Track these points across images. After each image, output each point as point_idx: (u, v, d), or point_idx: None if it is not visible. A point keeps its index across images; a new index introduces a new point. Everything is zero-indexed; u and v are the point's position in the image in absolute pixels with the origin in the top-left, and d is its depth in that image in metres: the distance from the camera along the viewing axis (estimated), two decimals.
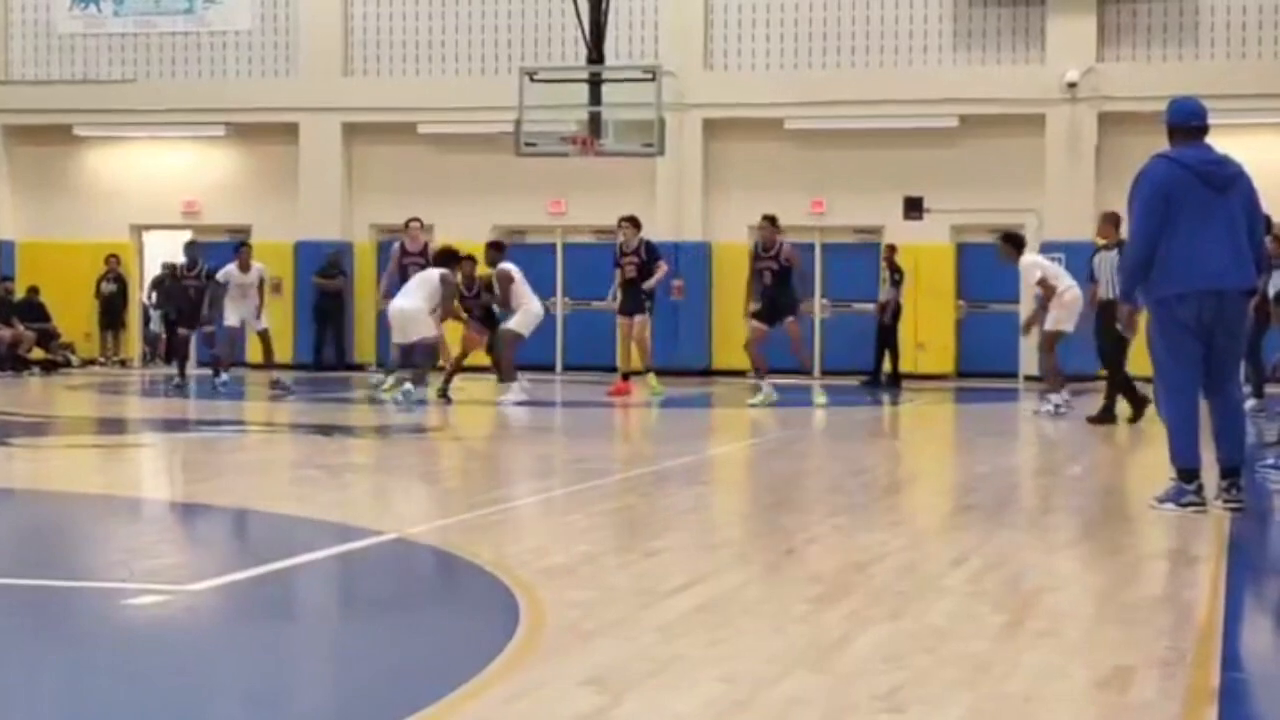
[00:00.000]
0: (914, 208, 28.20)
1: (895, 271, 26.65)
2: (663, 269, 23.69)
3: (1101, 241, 18.97)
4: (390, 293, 22.30)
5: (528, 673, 5.84)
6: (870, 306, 27.31)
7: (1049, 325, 19.49)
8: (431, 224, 29.68)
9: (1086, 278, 18.97)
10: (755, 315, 21.71)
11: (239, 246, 23.98)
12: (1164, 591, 7.94)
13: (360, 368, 30.26)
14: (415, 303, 21.00)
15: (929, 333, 28.30)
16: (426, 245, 23.37)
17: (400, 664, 6.12)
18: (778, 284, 21.43)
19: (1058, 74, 27.96)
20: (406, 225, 23.66)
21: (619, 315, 23.93)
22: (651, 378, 23.41)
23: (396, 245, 23.68)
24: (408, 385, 20.60)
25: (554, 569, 8.13)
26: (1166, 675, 5.86)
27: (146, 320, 33.03)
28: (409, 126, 30.02)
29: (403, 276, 22.64)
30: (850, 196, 28.98)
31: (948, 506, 11.66)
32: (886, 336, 26.53)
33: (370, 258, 30.92)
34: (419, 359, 21.31)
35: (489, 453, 15.83)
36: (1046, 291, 19.49)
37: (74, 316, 31.26)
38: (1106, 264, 18.31)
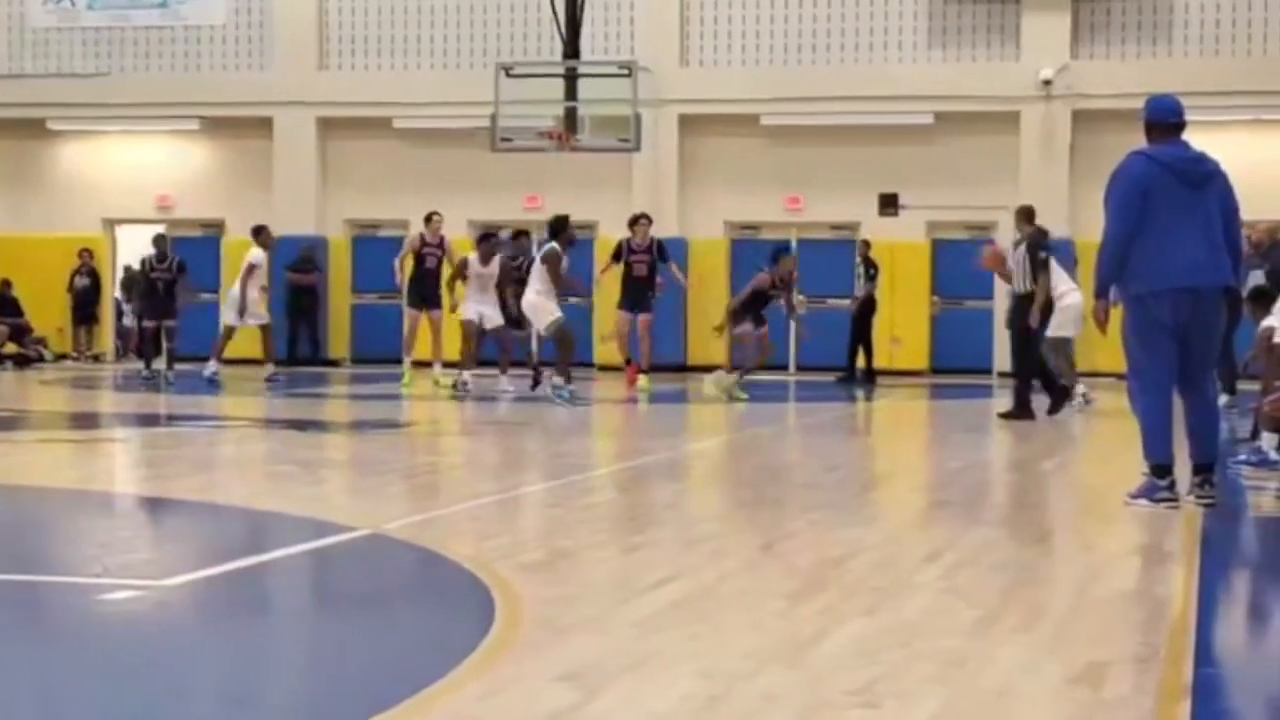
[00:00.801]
0: (889, 204, 28.28)
1: (870, 266, 26.66)
2: (664, 269, 24.16)
3: (1015, 236, 19.08)
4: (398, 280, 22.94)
5: (503, 668, 5.85)
6: (846, 302, 27.34)
7: (1051, 331, 19.17)
8: (406, 219, 29.74)
9: (1038, 265, 18.99)
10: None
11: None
12: (1137, 587, 7.97)
13: (335, 363, 30.23)
14: (530, 294, 20.28)
15: (904, 329, 28.34)
16: (444, 239, 23.53)
17: (375, 659, 6.12)
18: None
19: (1032, 71, 28.02)
20: (428, 218, 23.86)
21: (623, 310, 24.02)
22: (643, 377, 23.55)
23: (416, 234, 23.88)
24: (556, 380, 20.07)
25: (531, 564, 8.13)
26: (1140, 670, 5.89)
27: (119, 315, 32.97)
28: (384, 121, 29.99)
29: (419, 267, 23.18)
30: (826, 193, 29.03)
31: (922, 502, 11.68)
32: (860, 332, 26.53)
33: (345, 252, 30.89)
34: (554, 351, 20.64)
35: (467, 448, 15.81)
36: (1006, 276, 19.24)
37: (47, 311, 31.15)
38: (1021, 258, 18.40)
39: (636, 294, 23.90)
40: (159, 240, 25.68)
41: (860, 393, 24.31)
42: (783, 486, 12.56)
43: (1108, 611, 7.17)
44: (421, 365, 24.03)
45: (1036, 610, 7.07)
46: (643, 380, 23.48)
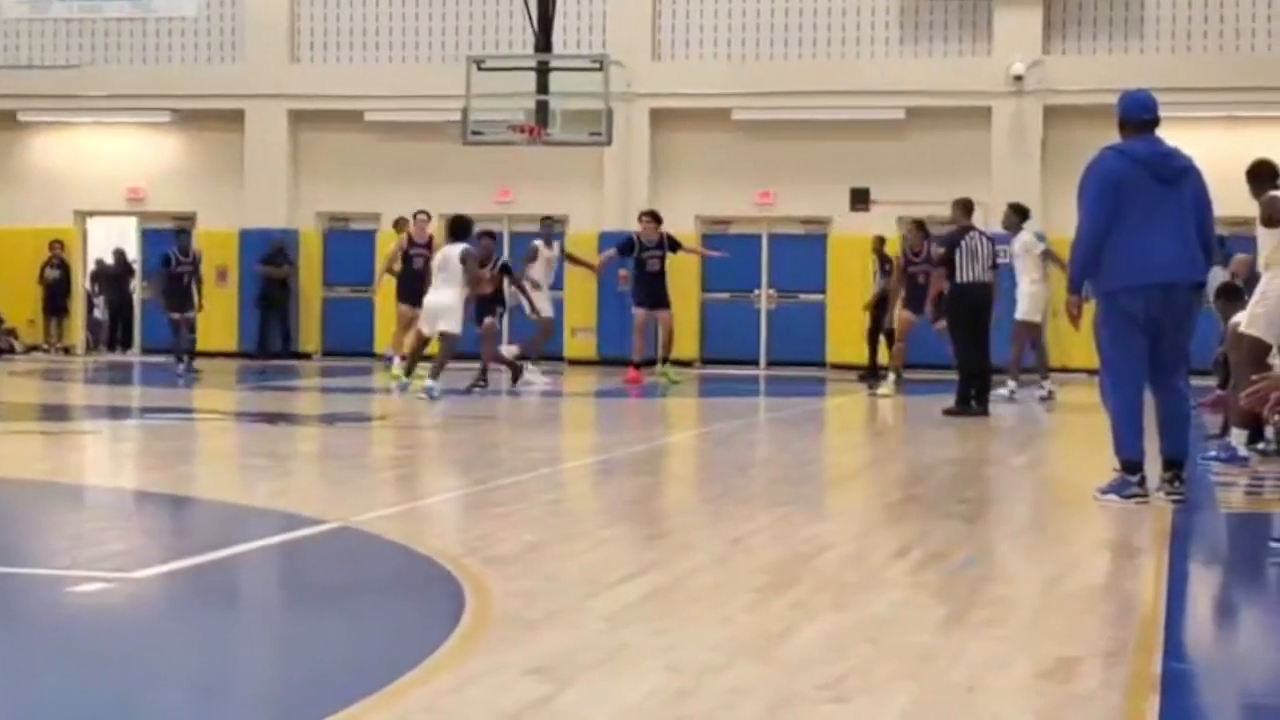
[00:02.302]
0: (860, 199, 28.29)
1: (885, 262, 26.47)
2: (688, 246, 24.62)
3: (952, 227, 19.15)
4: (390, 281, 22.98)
5: (473, 661, 5.84)
6: (818, 298, 27.28)
7: (1021, 315, 19.82)
8: (377, 212, 29.70)
9: (936, 261, 19.18)
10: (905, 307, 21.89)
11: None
12: (1106, 582, 7.99)
13: (306, 356, 30.18)
14: (447, 296, 20.18)
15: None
16: (432, 238, 23.34)
17: (344, 652, 6.11)
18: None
19: (1004, 67, 28.06)
20: (414, 217, 23.69)
21: (638, 308, 23.91)
22: (670, 368, 23.62)
23: (403, 235, 23.69)
24: (429, 382, 19.84)
25: (500, 558, 8.12)
26: (1109, 665, 5.90)
27: (90, 307, 32.89)
28: (355, 114, 29.91)
29: (407, 267, 22.92)
30: (797, 187, 29.03)
31: (893, 498, 11.68)
32: (878, 328, 26.29)
33: (316, 245, 30.83)
34: (441, 352, 20.58)
35: (436, 442, 15.79)
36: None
37: (17, 303, 31.07)
38: (965, 249, 18.47)
39: (652, 290, 23.78)
40: (180, 235, 26.09)
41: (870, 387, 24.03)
42: (753, 481, 12.56)
43: (1077, 606, 7.18)
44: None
45: (1006, 605, 7.08)
46: (671, 372, 23.59)
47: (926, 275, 20.95)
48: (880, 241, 26.79)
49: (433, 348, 20.72)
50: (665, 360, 23.83)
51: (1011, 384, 20.42)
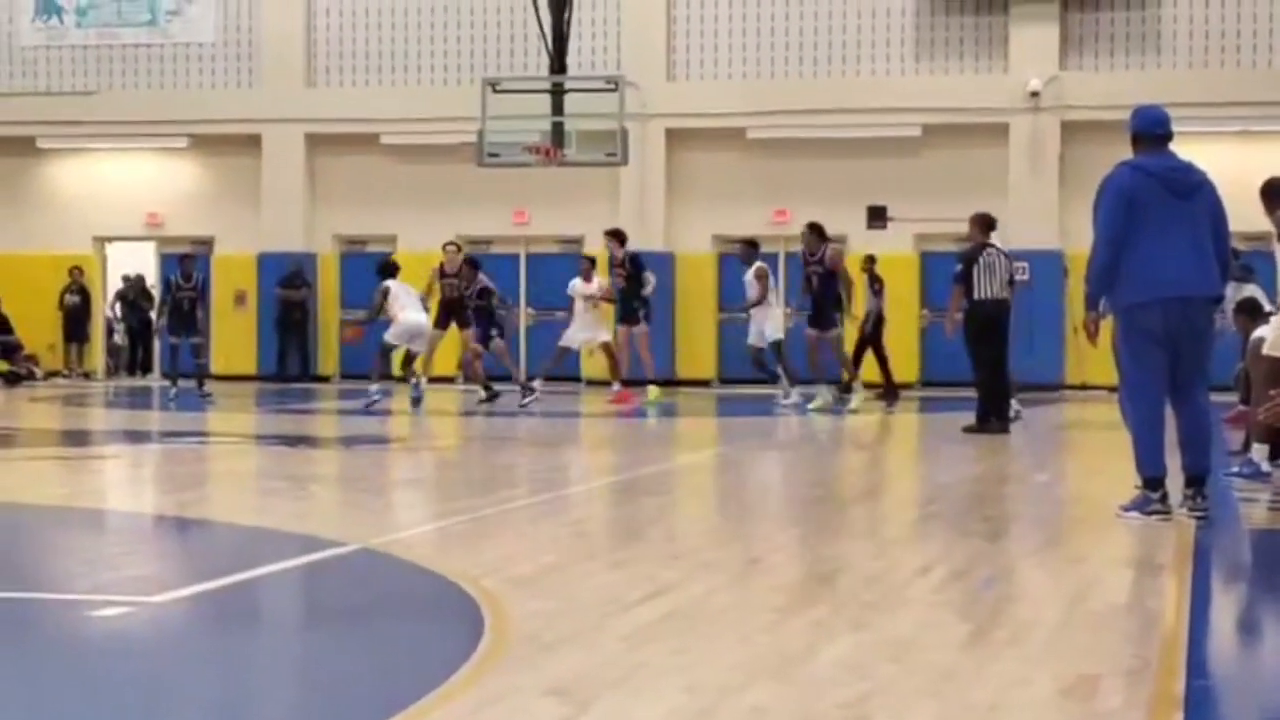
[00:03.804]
0: (877, 217, 28.24)
1: (875, 281, 26.43)
2: (648, 278, 24.44)
3: (971, 243, 19.04)
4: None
5: (491, 683, 5.81)
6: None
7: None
8: (394, 234, 29.75)
9: (953, 278, 18.97)
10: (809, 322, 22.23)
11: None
12: (1129, 600, 7.94)
13: (324, 379, 30.19)
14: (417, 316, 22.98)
15: (892, 342, 28.21)
16: (463, 266, 23.57)
17: (363, 675, 6.09)
18: (823, 289, 21.96)
19: (1021, 83, 28.05)
20: (444, 249, 23.79)
21: (618, 324, 24.31)
22: (652, 388, 23.65)
23: (436, 266, 23.81)
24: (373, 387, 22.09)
25: (518, 579, 8.10)
26: (1132, 683, 5.86)
27: (110, 332, 32.96)
28: (372, 137, 29.97)
29: (444, 295, 23.44)
30: (814, 206, 28.86)
31: (912, 516, 11.65)
32: (868, 347, 26.26)
33: (334, 269, 30.86)
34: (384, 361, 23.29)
35: (454, 463, 15.78)
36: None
37: (37, 329, 31.12)
38: (983, 265, 18.37)
39: (620, 307, 24.13)
40: (186, 260, 25.93)
41: (887, 406, 23.98)
42: (771, 500, 12.53)
43: (1099, 624, 7.14)
44: (435, 380, 24.14)
45: (1028, 623, 7.04)
46: (652, 392, 23.69)
47: (819, 277, 21.89)
48: (870, 261, 26.71)
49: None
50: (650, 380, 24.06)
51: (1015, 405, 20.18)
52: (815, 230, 22.26)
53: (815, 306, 22.10)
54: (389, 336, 23.02)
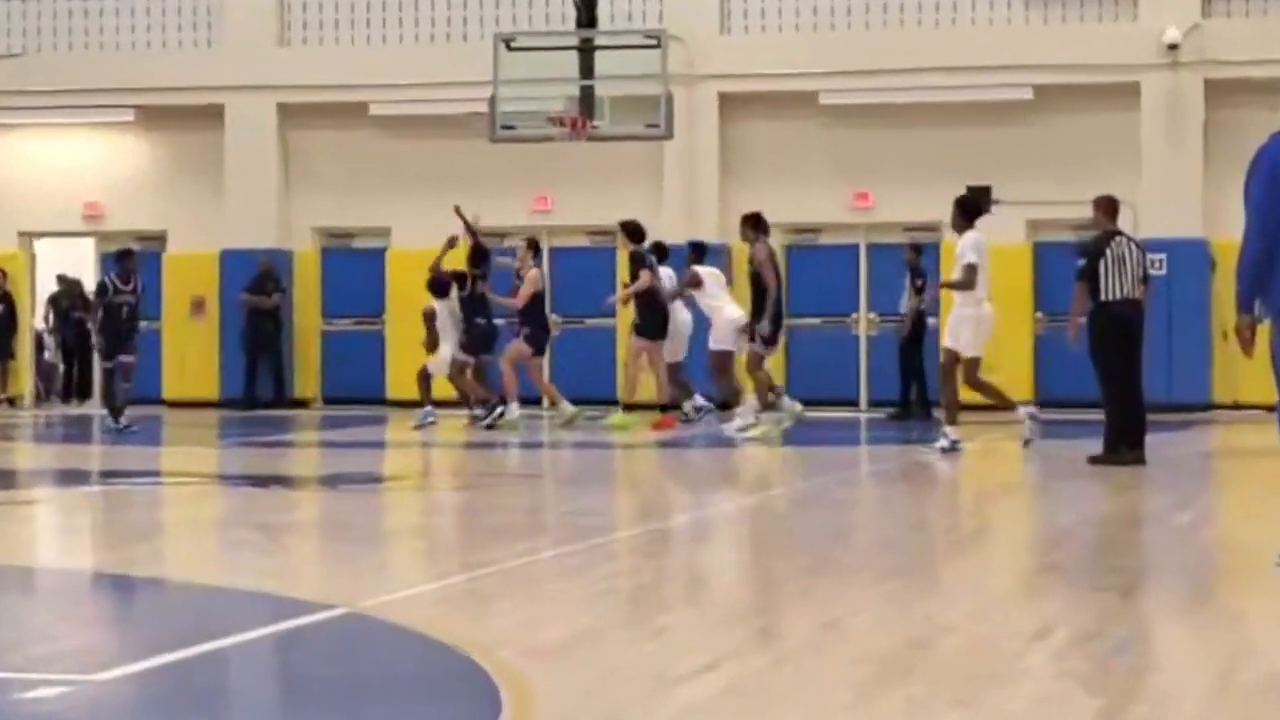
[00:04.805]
0: (980, 199, 28.20)
1: (917, 276, 26.42)
2: (641, 281, 24.29)
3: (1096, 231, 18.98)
4: None
5: None
6: (932, 321, 27.23)
7: (952, 343, 19.66)
8: (386, 226, 29.85)
9: (1075, 274, 18.91)
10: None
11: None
12: None
13: (302, 404, 30.26)
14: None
15: (1000, 353, 28.12)
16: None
17: None
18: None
19: (1155, 33, 28.01)
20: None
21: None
22: (619, 414, 23.98)
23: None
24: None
25: (543, 649, 8.12)
26: None
27: (40, 349, 33.04)
28: (359, 107, 30.03)
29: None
30: (901, 187, 28.98)
31: (1025, 567, 11.65)
32: (911, 357, 26.30)
33: (313, 268, 30.93)
34: None
35: (463, 507, 15.81)
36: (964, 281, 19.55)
37: None
38: (1111, 258, 18.29)
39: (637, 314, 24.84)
40: (126, 257, 24.75)
41: (914, 432, 24.01)
42: (849, 550, 12.54)
43: (1256, 699, 7.13)
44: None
45: (1171, 698, 7.05)
46: (617, 417, 24.15)
47: (751, 279, 22.20)
48: (916, 251, 26.68)
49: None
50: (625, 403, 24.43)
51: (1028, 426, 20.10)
52: (747, 222, 22.40)
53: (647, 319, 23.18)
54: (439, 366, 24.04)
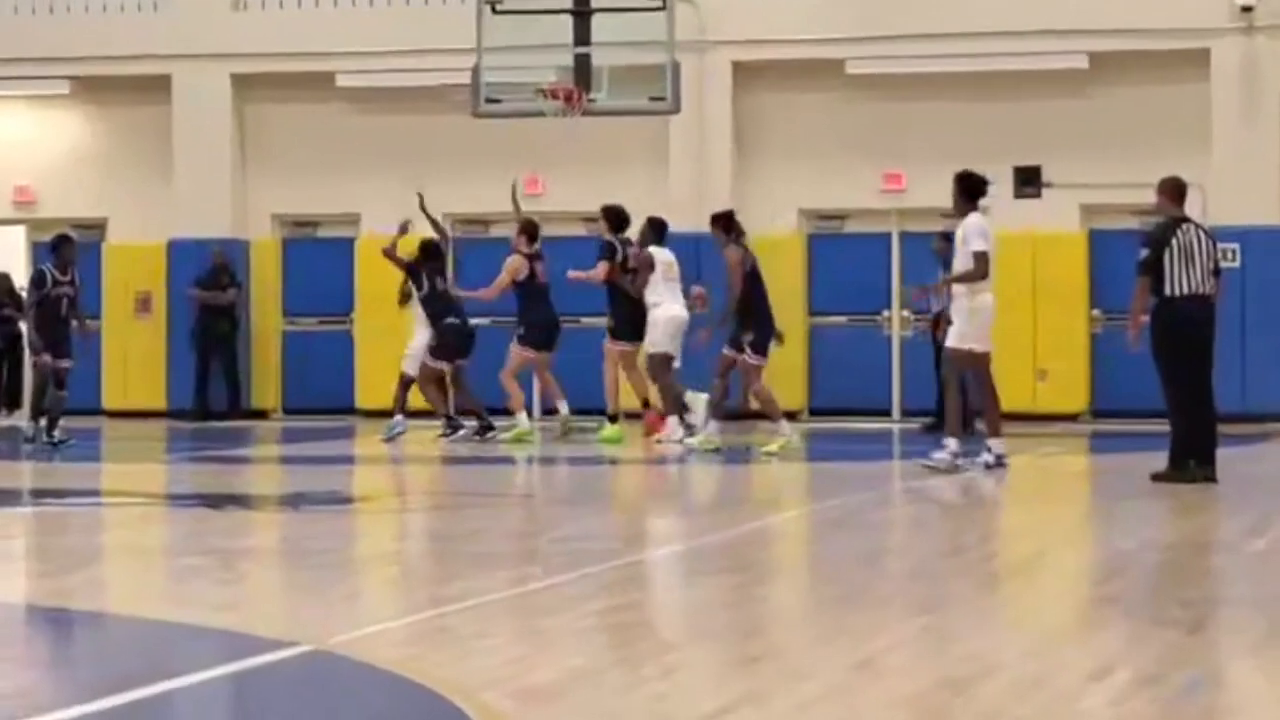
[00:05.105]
0: (1029, 181, 28.21)
1: (948, 271, 26.40)
2: (595, 271, 24.60)
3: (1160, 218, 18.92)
4: None
5: None
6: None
7: (956, 342, 19.66)
8: (355, 212, 29.87)
9: (1137, 267, 18.82)
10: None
11: None
12: None
13: (261, 414, 30.25)
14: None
15: (1052, 355, 28.25)
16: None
17: None
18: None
19: None
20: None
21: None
22: (607, 426, 24.06)
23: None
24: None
25: (535, 691, 8.14)
26: None
27: None
28: (323, 77, 30.03)
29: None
30: (937, 168, 28.68)
31: (1080, 598, 11.66)
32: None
33: (273, 261, 30.92)
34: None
35: (443, 531, 15.82)
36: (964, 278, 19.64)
37: None
38: (1177, 248, 18.21)
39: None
40: (63, 243, 24.54)
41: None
42: (883, 579, 12.55)
43: None
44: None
45: None
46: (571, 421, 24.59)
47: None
48: (947, 240, 26.60)
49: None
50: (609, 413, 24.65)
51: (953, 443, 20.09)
52: (718, 223, 22.48)
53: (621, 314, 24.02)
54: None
